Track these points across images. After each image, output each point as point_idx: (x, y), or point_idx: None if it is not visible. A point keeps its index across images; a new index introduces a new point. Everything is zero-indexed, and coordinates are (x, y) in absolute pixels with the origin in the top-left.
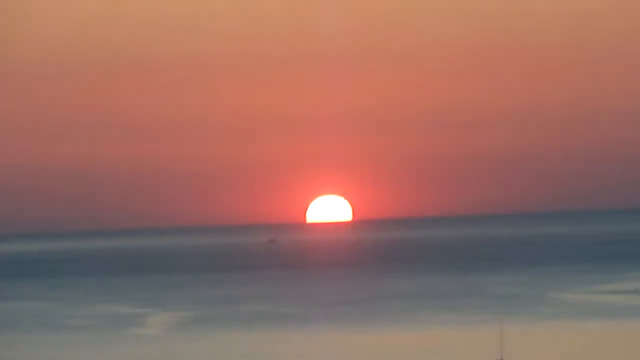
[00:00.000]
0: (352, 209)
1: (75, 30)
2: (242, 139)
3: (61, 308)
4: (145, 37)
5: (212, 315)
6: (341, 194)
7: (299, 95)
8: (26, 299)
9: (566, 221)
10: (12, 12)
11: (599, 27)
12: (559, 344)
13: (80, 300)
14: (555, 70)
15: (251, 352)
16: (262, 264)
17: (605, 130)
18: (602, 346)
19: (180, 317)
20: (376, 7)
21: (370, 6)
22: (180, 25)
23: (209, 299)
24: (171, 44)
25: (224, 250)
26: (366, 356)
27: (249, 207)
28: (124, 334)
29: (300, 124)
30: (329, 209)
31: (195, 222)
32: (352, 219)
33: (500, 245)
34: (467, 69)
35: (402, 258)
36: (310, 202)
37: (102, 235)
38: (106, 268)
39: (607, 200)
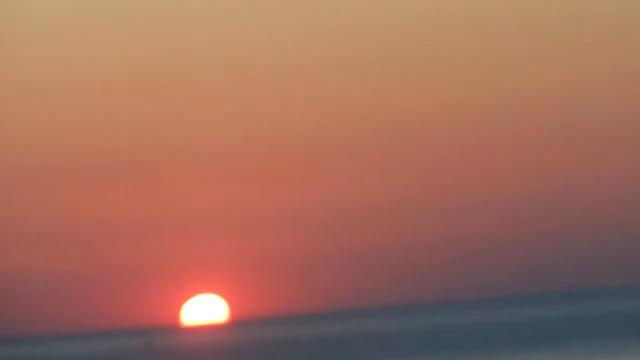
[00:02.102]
0: (229, 307)
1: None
2: (112, 244)
3: None
4: None
5: None
6: (217, 293)
7: (170, 197)
8: None
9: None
10: None
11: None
12: None
13: None
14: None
15: None
16: None
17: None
18: None
19: None
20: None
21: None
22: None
23: None
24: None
25: (99, 356)
26: None
27: (122, 311)
28: None
29: (169, 226)
30: (205, 309)
31: (68, 330)
32: (230, 318)
33: (383, 340)
34: (331, 162)
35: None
36: (185, 302)
37: None
38: None
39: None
